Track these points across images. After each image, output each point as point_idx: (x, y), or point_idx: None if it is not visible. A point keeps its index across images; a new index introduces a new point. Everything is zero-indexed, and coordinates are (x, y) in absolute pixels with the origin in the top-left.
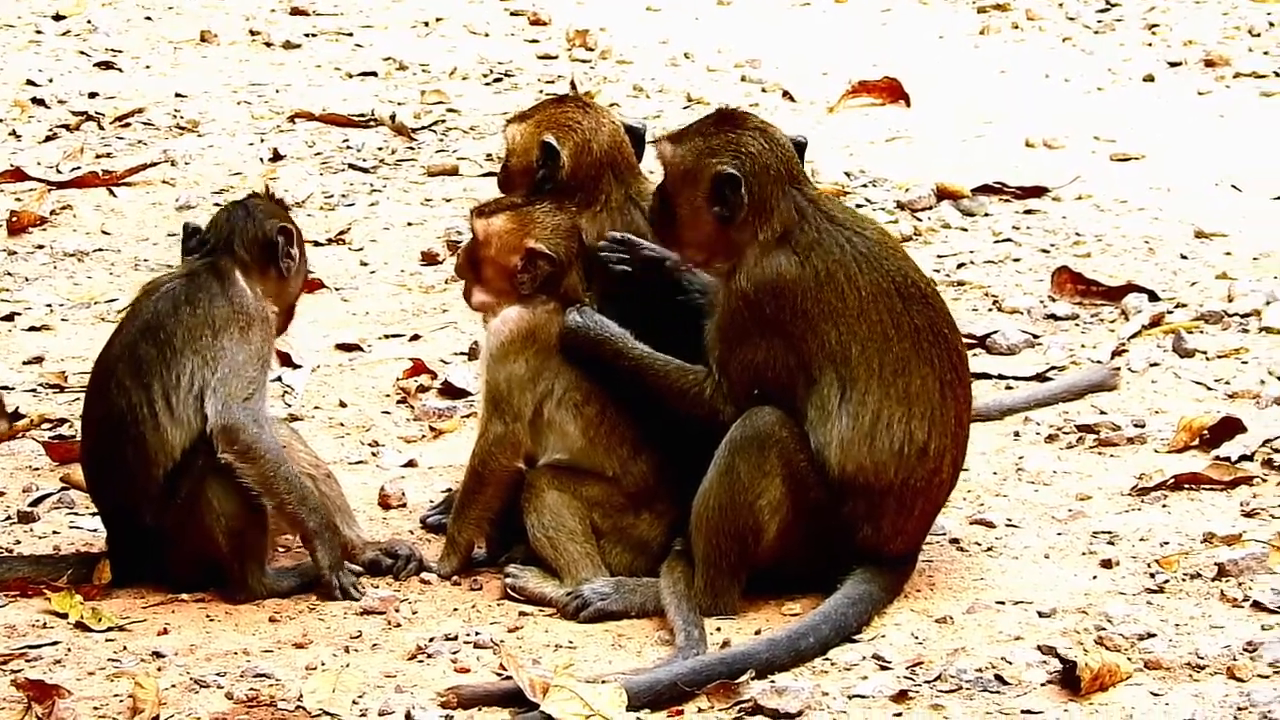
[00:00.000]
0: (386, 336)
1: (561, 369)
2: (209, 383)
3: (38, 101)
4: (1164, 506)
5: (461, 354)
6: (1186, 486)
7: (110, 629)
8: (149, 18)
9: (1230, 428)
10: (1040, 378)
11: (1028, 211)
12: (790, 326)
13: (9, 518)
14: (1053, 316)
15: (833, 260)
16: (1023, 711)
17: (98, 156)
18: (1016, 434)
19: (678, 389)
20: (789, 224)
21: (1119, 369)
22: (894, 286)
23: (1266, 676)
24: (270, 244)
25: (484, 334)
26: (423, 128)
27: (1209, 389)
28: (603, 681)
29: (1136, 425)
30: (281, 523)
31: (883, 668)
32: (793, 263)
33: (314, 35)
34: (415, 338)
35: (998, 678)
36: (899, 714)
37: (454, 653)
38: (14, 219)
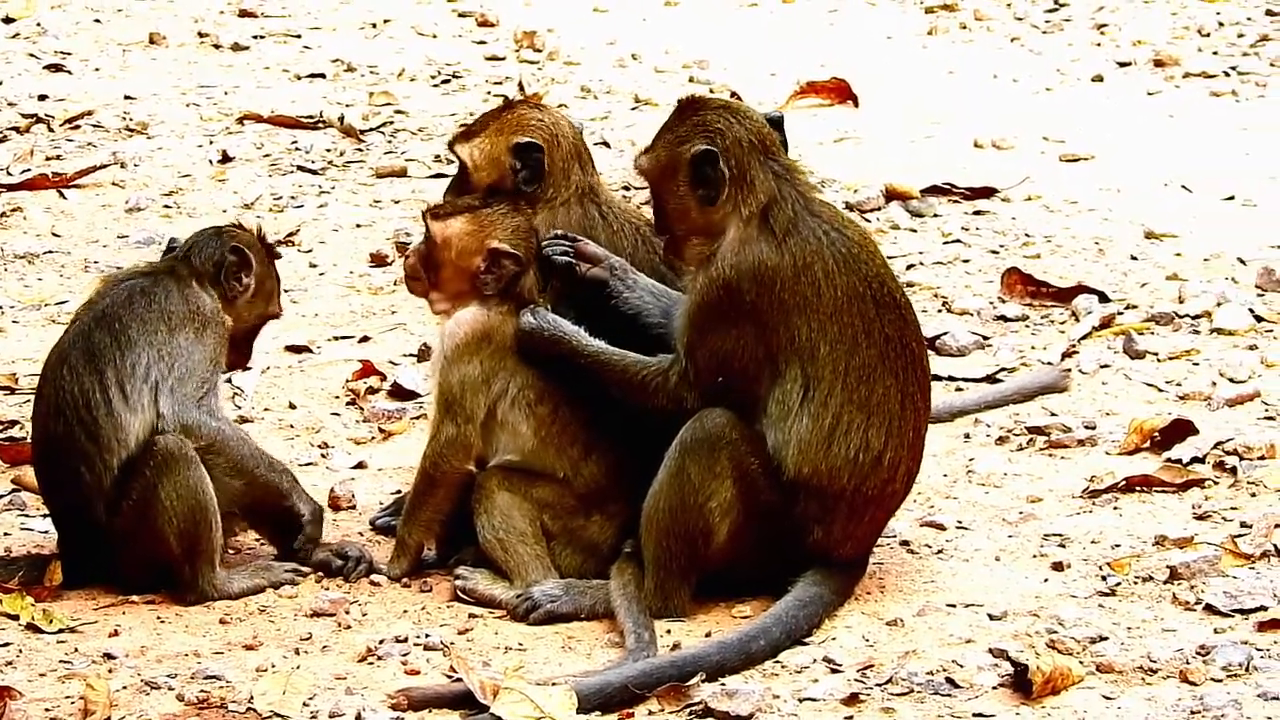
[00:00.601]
0: (336, 338)
1: (516, 369)
2: (165, 379)
3: None
4: (1115, 509)
5: (411, 355)
6: (1138, 489)
7: (61, 630)
8: (98, 20)
9: (1181, 430)
10: (990, 379)
11: (977, 212)
12: (765, 315)
13: None
14: (1002, 318)
15: (810, 251)
16: (974, 715)
17: (47, 159)
18: (967, 436)
19: (638, 381)
20: (770, 195)
21: (1069, 371)
22: (870, 292)
23: (1219, 680)
24: (220, 262)
25: (436, 335)
26: (371, 129)
27: (1160, 391)
28: (553, 684)
29: (1087, 427)
30: (258, 495)
31: (833, 670)
32: (773, 248)
33: (262, 37)
34: (364, 339)
35: (949, 680)
36: (850, 717)
37: (404, 654)
38: None
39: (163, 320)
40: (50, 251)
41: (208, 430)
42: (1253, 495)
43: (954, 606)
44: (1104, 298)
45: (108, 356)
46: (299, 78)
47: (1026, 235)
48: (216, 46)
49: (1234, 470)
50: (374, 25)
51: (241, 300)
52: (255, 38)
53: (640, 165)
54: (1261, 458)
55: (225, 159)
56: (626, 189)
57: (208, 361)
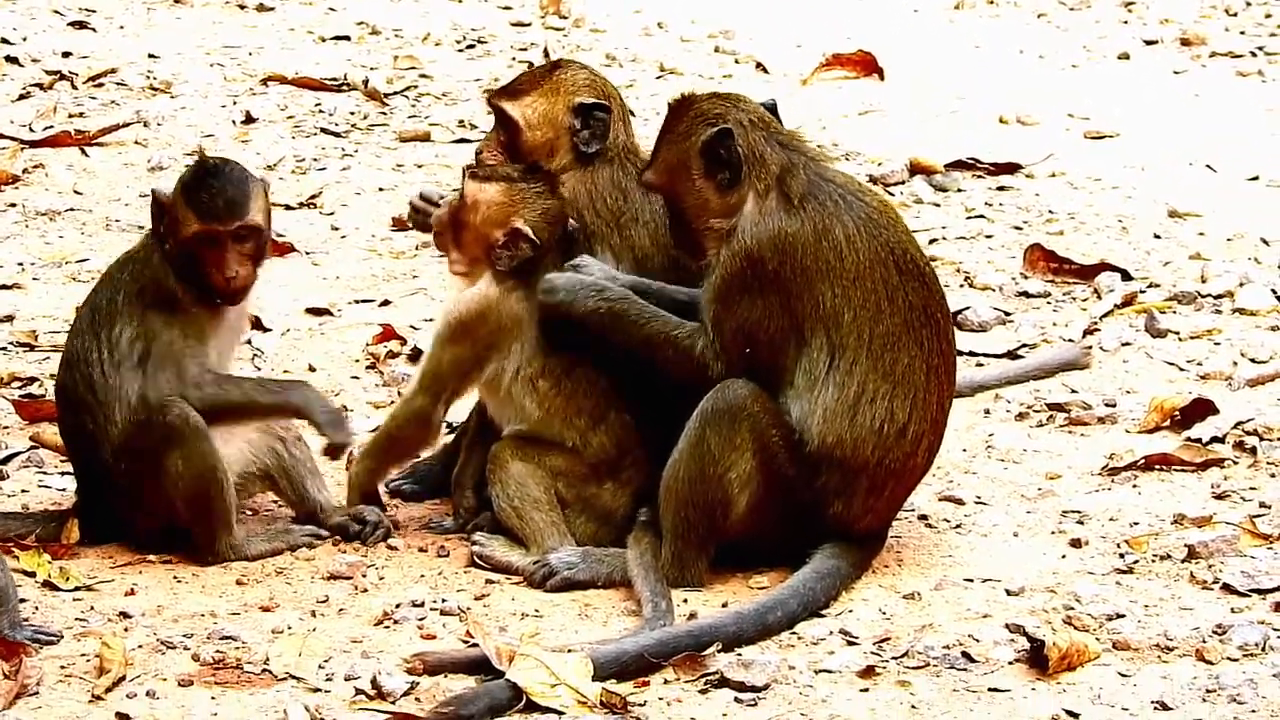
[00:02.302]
0: (356, 301)
1: (514, 347)
2: (145, 357)
3: (11, 60)
4: (1134, 487)
5: (431, 320)
6: (1157, 467)
7: (78, 588)
8: None
9: (1202, 409)
10: (1011, 355)
11: (1000, 188)
12: (789, 283)
13: None
14: (1024, 294)
15: (829, 214)
16: (990, 689)
17: (70, 116)
18: (987, 411)
19: (665, 339)
20: (783, 165)
21: (1090, 348)
22: (892, 258)
23: (1235, 660)
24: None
25: (441, 308)
26: (395, 93)
27: (1181, 370)
28: (569, 651)
29: (1108, 405)
30: (275, 418)
31: (850, 643)
32: (791, 216)
33: None
34: (385, 303)
35: (965, 655)
36: (865, 689)
37: (420, 619)
38: None
39: (139, 295)
40: (72, 209)
41: (196, 402)
42: (1272, 475)
43: (971, 581)
44: (1126, 275)
45: (101, 321)
46: (324, 40)
47: (1050, 212)
48: (241, 7)
49: (1254, 450)
50: None
51: (173, 246)
52: None
53: (649, 180)
54: None
55: (248, 120)
56: None
57: (180, 336)
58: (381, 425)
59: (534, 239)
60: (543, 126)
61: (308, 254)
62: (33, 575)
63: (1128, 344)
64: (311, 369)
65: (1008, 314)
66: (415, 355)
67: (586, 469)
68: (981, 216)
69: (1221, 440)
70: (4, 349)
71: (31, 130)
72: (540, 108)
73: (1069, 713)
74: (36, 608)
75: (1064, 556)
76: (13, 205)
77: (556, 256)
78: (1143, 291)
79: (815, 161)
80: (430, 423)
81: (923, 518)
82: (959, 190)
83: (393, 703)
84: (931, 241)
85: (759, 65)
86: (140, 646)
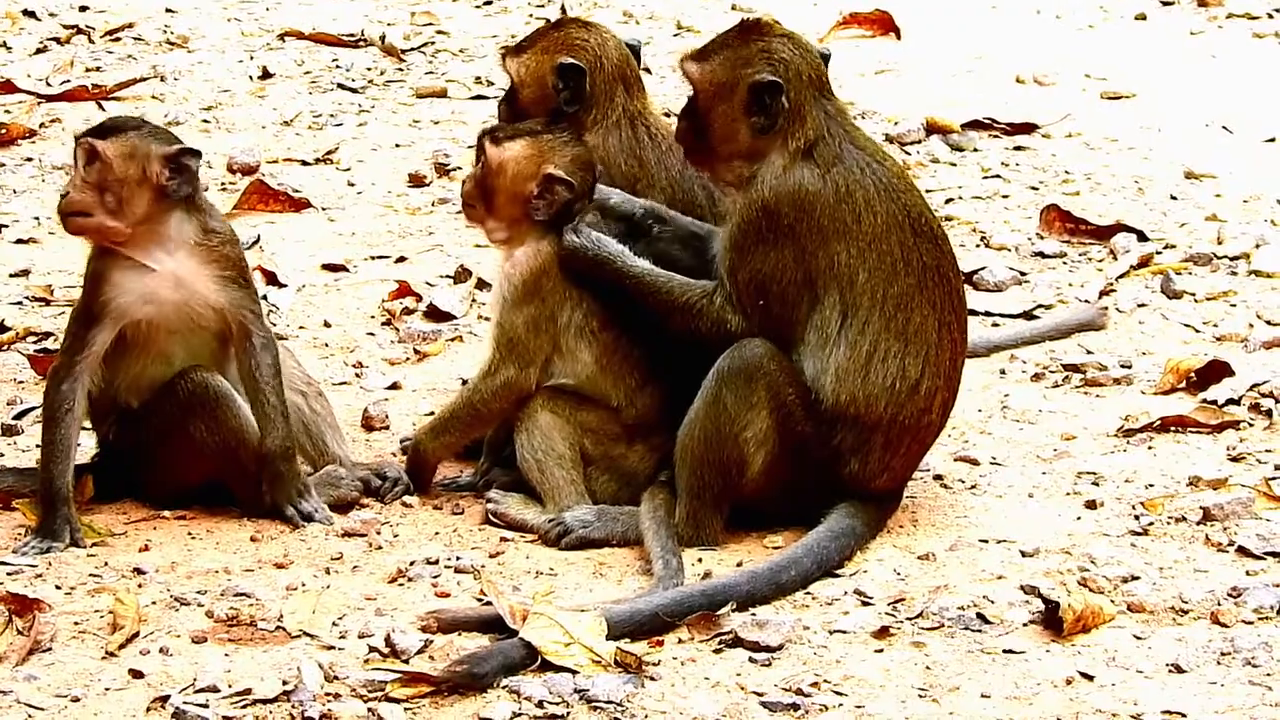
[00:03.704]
0: (372, 258)
1: (578, 300)
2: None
3: (28, 14)
4: (1149, 448)
5: (447, 277)
6: (1173, 429)
7: (92, 544)
8: None
9: (1218, 371)
10: (1027, 315)
11: (1017, 148)
12: (804, 239)
13: None
14: (1040, 254)
15: (853, 180)
16: (1004, 651)
17: (87, 70)
18: (1003, 372)
19: (682, 303)
20: (819, 132)
21: (1106, 309)
22: (908, 221)
23: (1250, 622)
24: None
25: (495, 274)
26: (412, 49)
27: (1197, 331)
28: (583, 610)
29: (1123, 366)
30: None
31: (864, 603)
32: (815, 175)
33: None
34: (401, 260)
35: (979, 616)
36: (880, 650)
37: (434, 577)
38: (3, 131)
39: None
40: None
41: (210, 372)
42: None
43: (986, 542)
44: (1142, 237)
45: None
46: None
47: (1066, 172)
48: None
49: (1269, 413)
50: None
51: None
52: None
53: (691, 73)
54: None
55: (265, 75)
56: (667, 115)
57: (78, 317)
58: (458, 400)
59: (569, 180)
60: (532, 84)
61: (324, 210)
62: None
63: (1143, 305)
64: (327, 325)
65: (1023, 274)
66: (431, 312)
67: (620, 429)
68: (998, 176)
69: (1237, 402)
70: (19, 304)
71: (48, 85)
72: (531, 65)
73: (1083, 674)
74: (50, 564)
75: (1079, 518)
76: (29, 160)
77: (587, 205)
78: (1159, 253)
79: (849, 132)
80: (521, 390)
81: (938, 478)
82: (975, 150)
83: (406, 661)
84: (948, 201)
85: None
86: (154, 603)
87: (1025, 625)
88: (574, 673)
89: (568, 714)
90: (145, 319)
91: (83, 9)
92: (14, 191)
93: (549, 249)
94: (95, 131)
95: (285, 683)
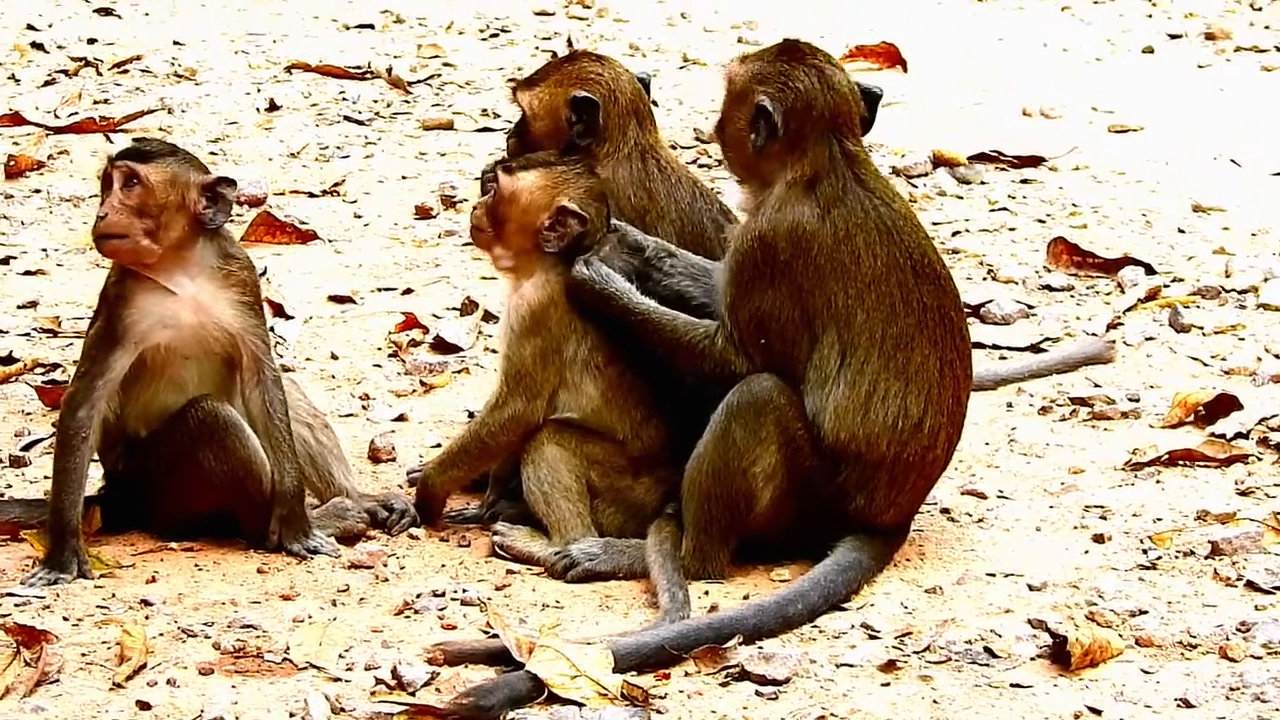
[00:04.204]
0: (379, 290)
1: (584, 333)
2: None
3: (37, 46)
4: (1158, 482)
5: (454, 309)
6: (1181, 463)
7: (100, 575)
8: None
9: (1226, 404)
10: (1034, 349)
11: (1024, 181)
12: (800, 277)
13: (0, 461)
14: (1048, 287)
15: (854, 222)
16: (1012, 685)
17: (95, 102)
18: (1009, 405)
19: (686, 343)
20: (820, 169)
21: (1114, 342)
22: (909, 262)
23: (1259, 657)
24: None
25: (504, 308)
26: (419, 81)
27: (1205, 365)
28: (589, 642)
29: (1131, 399)
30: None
31: (871, 637)
32: (814, 214)
33: None
34: (408, 291)
35: (987, 650)
36: (887, 684)
37: (441, 609)
38: (11, 163)
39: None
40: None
41: (219, 402)
42: None
43: (993, 576)
44: (1150, 270)
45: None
46: (348, 28)
47: (1073, 205)
48: None
49: (1278, 447)
50: None
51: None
52: None
53: (730, 70)
54: None
55: (272, 107)
56: (673, 147)
57: (95, 341)
58: (467, 434)
59: (582, 214)
60: (545, 117)
61: (330, 242)
62: None
63: (1151, 338)
64: (334, 356)
65: (1031, 307)
66: (438, 344)
67: (625, 461)
68: (1005, 209)
69: (1245, 436)
70: (27, 335)
71: (56, 116)
72: (544, 98)
73: (1091, 709)
74: (58, 595)
75: (1087, 552)
76: (37, 191)
77: (605, 236)
78: (1166, 286)
79: (856, 173)
80: (528, 423)
81: (945, 511)
82: (982, 183)
83: (412, 693)
84: (954, 234)
85: None
86: (161, 634)
87: (1033, 659)
88: (580, 705)
89: None
90: (163, 343)
91: (91, 41)
92: (22, 223)
93: (557, 281)
94: (133, 155)
95: (292, 715)
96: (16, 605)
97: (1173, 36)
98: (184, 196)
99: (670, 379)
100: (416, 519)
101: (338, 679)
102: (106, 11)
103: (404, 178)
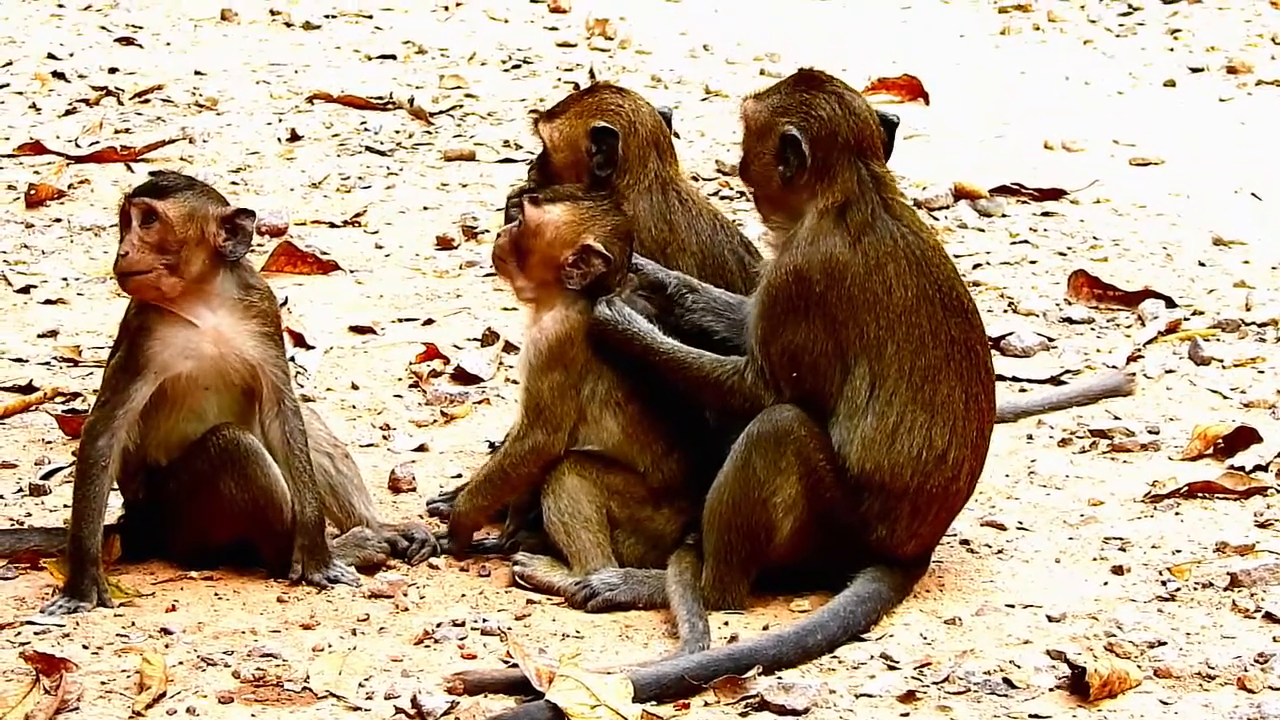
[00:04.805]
0: (400, 320)
1: (603, 369)
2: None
3: (58, 75)
4: (1177, 514)
5: (475, 340)
6: (1200, 495)
7: (119, 604)
8: None
9: (1245, 437)
10: (1055, 381)
11: (1045, 214)
12: (834, 309)
13: (21, 490)
14: (1068, 320)
15: (884, 251)
16: (1030, 716)
17: (116, 132)
18: (1030, 437)
19: (714, 380)
20: (850, 195)
21: (1134, 375)
22: (939, 295)
23: (1277, 689)
24: None
25: (523, 337)
26: (440, 112)
27: (1224, 398)
28: (609, 672)
29: (1151, 432)
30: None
31: (890, 667)
32: (845, 244)
33: (334, 17)
34: (429, 322)
35: (1006, 681)
36: (906, 714)
37: (461, 639)
38: (32, 192)
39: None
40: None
41: (240, 429)
42: None
43: (1013, 607)
44: (1170, 303)
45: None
46: (370, 58)
47: (1094, 238)
48: (288, 25)
49: None
50: (446, 8)
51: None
52: (327, 17)
53: (744, 110)
54: None
55: (294, 138)
56: (694, 179)
57: (116, 371)
58: (491, 464)
59: (606, 254)
60: (566, 149)
61: (351, 272)
62: None
63: (1171, 371)
64: (355, 387)
65: (1051, 340)
66: (458, 374)
67: (646, 492)
68: (1026, 242)
69: (1265, 469)
70: (47, 364)
71: (78, 146)
72: (564, 130)
73: None
74: (78, 623)
75: (1106, 583)
76: (58, 220)
77: (625, 277)
78: (1187, 319)
79: (885, 199)
80: (549, 454)
81: (964, 543)
82: (1003, 215)
83: None
84: (975, 266)
85: None
86: (181, 663)
87: (1051, 690)
88: None
89: None
90: (184, 373)
91: (112, 71)
92: (43, 252)
93: (577, 317)
94: (150, 191)
95: None
96: (36, 633)
97: (1194, 70)
98: (203, 230)
99: (692, 414)
100: (437, 548)
101: (357, 708)
102: (128, 41)
103: (425, 208)
